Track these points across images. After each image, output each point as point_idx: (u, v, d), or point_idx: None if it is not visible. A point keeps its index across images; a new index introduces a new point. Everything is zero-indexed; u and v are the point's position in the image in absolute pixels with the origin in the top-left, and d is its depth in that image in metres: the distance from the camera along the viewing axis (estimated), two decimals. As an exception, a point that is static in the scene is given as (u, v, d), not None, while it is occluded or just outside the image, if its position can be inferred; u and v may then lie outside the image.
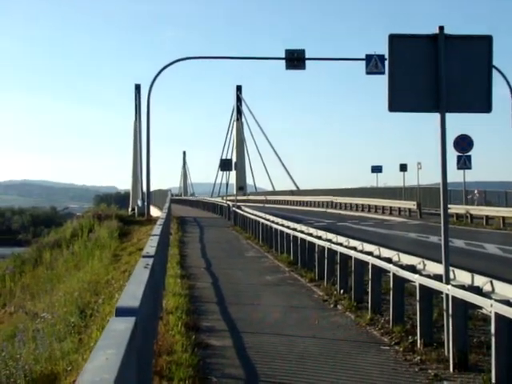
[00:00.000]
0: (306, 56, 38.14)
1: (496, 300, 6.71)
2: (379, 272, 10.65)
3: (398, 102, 8.12)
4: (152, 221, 34.05)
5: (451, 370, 7.35)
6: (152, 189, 47.02)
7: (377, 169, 53.46)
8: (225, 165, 45.47)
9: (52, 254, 29.75)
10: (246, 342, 8.91)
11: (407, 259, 10.35)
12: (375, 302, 10.52)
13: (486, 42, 8.14)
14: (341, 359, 8.01)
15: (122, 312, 4.01)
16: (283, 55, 37.76)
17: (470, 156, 32.42)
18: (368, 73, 36.69)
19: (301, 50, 37.95)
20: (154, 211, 46.27)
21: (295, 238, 17.37)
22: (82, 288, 17.50)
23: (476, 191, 37.59)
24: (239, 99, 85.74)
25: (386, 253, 11.30)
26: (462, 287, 7.58)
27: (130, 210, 69.11)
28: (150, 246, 8.90)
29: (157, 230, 12.95)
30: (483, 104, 8.19)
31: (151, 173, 40.90)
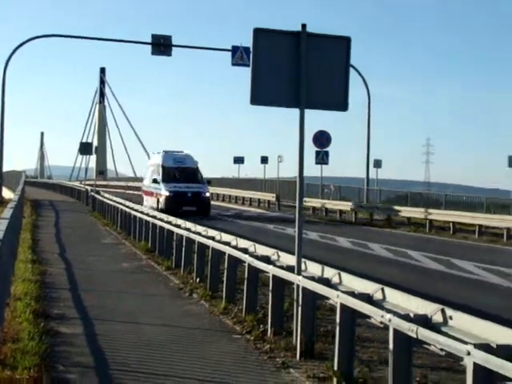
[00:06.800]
0: (173, 43, 37.97)
1: (342, 291, 7.01)
2: (235, 262, 10.78)
3: (260, 95, 8.21)
4: (4, 203, 32.53)
5: (298, 358, 7.60)
6: (5, 169, 45.01)
7: (239, 160, 54.22)
8: (85, 148, 44.18)
9: None
10: (98, 330, 8.75)
11: (263, 250, 10.56)
12: (230, 291, 10.66)
13: (344, 42, 8.41)
14: (193, 348, 8.06)
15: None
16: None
17: (327, 151, 33.59)
18: (234, 64, 37.04)
19: (168, 36, 37.68)
20: (7, 193, 44.30)
21: (154, 225, 17.25)
22: None
23: (331, 186, 39.09)
24: (102, 81, 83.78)
25: (243, 243, 11.47)
26: (312, 278, 7.85)
27: (-20, 190, 65.72)
28: (-1, 230, 8.50)
29: (7, 213, 12.41)
30: (340, 103, 8.45)
31: (5, 153, 39.12)
